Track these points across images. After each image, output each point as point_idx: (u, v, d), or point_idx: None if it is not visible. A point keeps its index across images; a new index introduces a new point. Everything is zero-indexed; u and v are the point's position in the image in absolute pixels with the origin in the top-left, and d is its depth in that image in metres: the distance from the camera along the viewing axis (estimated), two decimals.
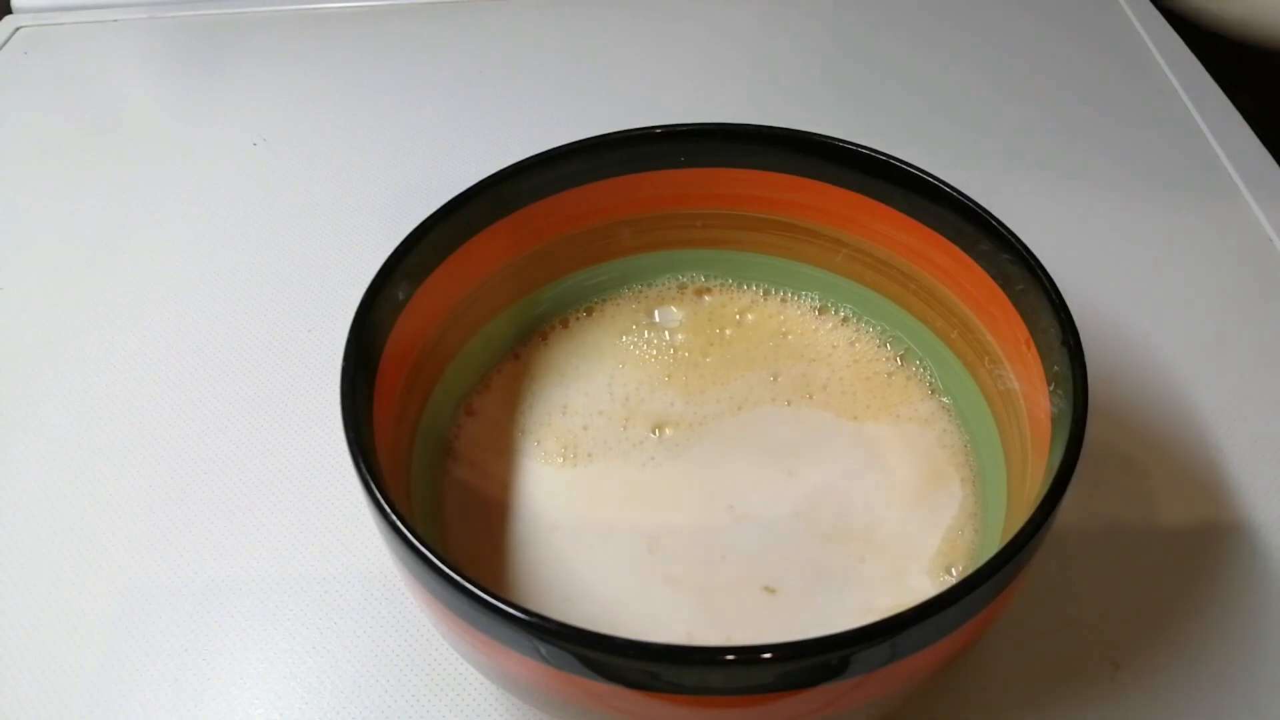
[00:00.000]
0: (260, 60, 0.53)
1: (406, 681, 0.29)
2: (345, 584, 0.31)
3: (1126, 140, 0.47)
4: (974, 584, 0.20)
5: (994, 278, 0.27)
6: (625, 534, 0.27)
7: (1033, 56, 0.52)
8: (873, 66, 0.52)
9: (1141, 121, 0.48)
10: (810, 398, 0.30)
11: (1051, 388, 0.24)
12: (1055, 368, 0.24)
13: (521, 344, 0.32)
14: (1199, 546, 0.31)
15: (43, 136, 0.50)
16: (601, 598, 0.26)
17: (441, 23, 0.55)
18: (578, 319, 0.32)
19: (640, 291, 0.33)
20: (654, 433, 0.30)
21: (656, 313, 0.33)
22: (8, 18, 0.57)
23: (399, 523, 0.21)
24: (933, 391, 0.30)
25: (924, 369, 0.31)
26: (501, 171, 0.29)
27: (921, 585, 0.26)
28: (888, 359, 0.31)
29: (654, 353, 0.32)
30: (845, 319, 0.32)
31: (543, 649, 0.20)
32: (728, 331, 0.32)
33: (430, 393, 0.29)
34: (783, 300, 0.33)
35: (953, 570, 0.26)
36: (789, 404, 0.30)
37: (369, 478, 0.22)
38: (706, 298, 0.33)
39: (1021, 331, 0.26)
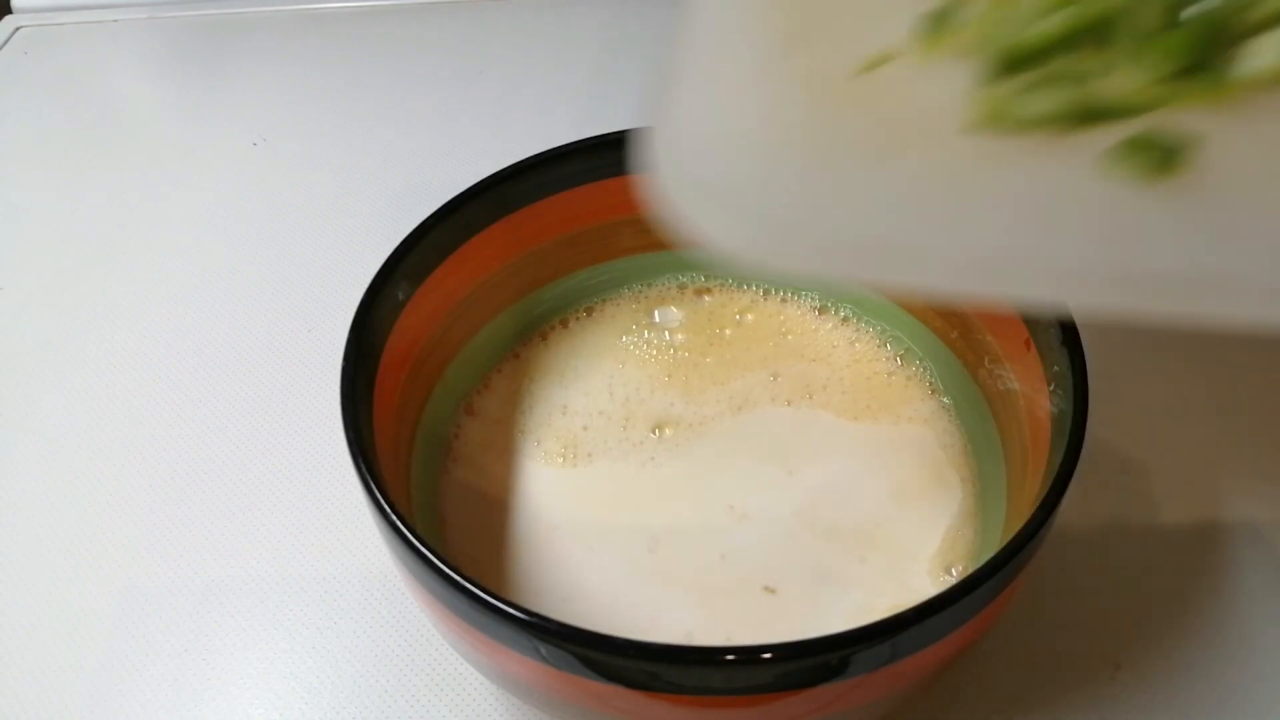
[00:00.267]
0: (260, 60, 0.53)
1: (406, 681, 0.29)
2: (345, 584, 0.31)
3: None
4: (974, 584, 0.20)
5: None
6: (625, 534, 0.27)
7: None
8: None
9: None
10: (810, 398, 0.30)
11: (1051, 388, 0.24)
12: (1055, 368, 0.24)
13: (521, 344, 0.32)
14: (1199, 546, 0.31)
15: (43, 136, 0.50)
16: (601, 598, 0.26)
17: (441, 23, 0.55)
18: (578, 319, 0.32)
19: (640, 291, 0.33)
20: (654, 433, 0.30)
21: (656, 313, 0.33)
22: (8, 18, 0.57)
23: (399, 523, 0.21)
24: (933, 391, 0.30)
25: (924, 369, 0.31)
26: (501, 171, 0.29)
27: (921, 585, 0.26)
28: (888, 359, 0.31)
29: (654, 353, 0.32)
30: (845, 319, 0.32)
31: (543, 649, 0.20)
32: (728, 331, 0.32)
33: (430, 393, 0.29)
34: (783, 300, 0.33)
35: (953, 570, 0.26)
36: (789, 404, 0.30)
37: (369, 478, 0.22)
38: (706, 298, 0.33)
39: (1021, 331, 0.26)
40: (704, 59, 0.21)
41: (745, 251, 0.17)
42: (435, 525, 0.28)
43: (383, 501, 0.22)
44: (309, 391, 0.37)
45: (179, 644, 0.30)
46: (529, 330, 0.32)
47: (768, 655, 0.19)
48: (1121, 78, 0.19)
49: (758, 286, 0.33)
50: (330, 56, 0.54)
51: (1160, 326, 0.16)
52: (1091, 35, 0.19)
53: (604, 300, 0.33)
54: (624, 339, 0.32)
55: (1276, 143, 0.18)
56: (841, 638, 0.19)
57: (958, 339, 0.29)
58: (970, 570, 0.21)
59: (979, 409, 0.29)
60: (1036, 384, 0.25)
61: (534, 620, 0.20)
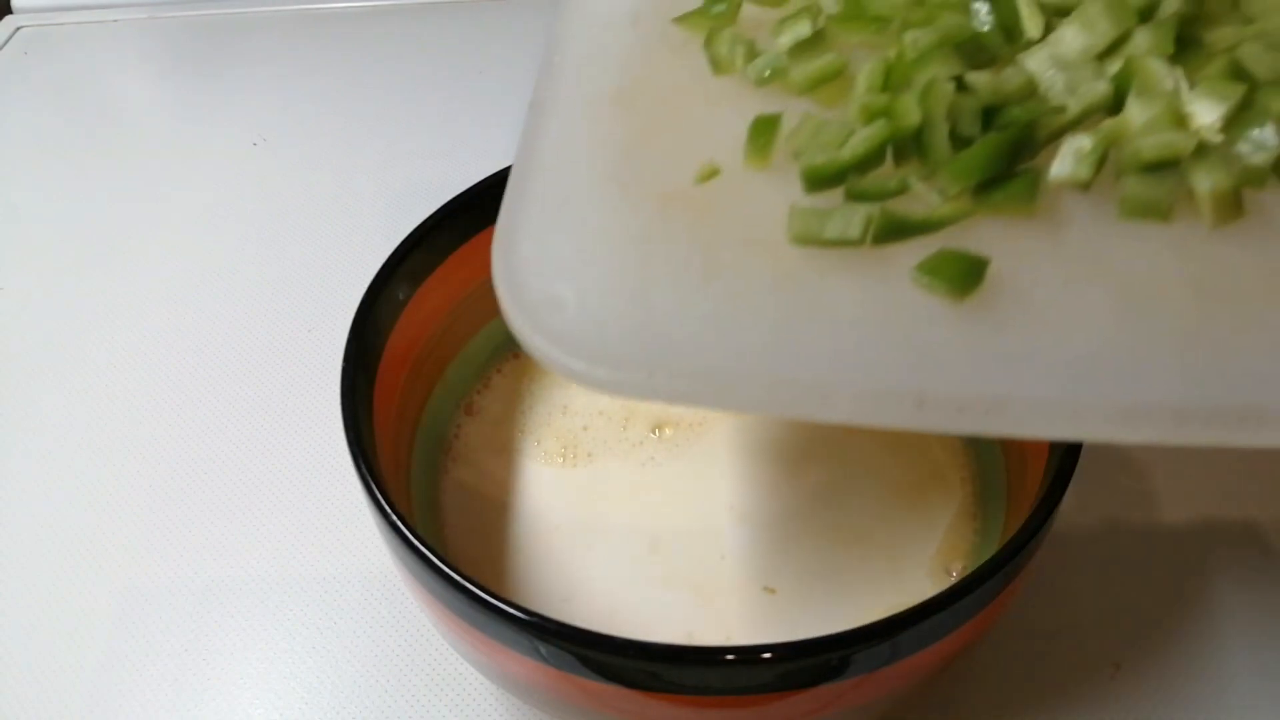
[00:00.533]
0: (260, 60, 0.53)
1: (406, 681, 0.29)
2: (345, 584, 0.31)
3: None
4: (974, 584, 0.20)
5: None
6: (625, 534, 0.27)
7: None
8: None
9: None
10: None
11: None
12: None
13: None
14: (1199, 547, 0.31)
15: (43, 136, 0.50)
16: (601, 598, 0.26)
17: (441, 23, 0.55)
18: None
19: None
20: (654, 433, 0.30)
21: None
22: (8, 18, 0.57)
23: (399, 523, 0.21)
24: None
25: None
26: (502, 171, 0.28)
27: (921, 585, 0.26)
28: None
29: None
30: None
31: (543, 649, 0.20)
32: None
33: (430, 392, 0.29)
34: None
35: (953, 570, 0.26)
36: None
37: (369, 478, 0.22)
38: None
39: None
40: (543, 171, 0.21)
41: (571, 377, 0.18)
42: (435, 525, 0.28)
43: (383, 502, 0.22)
44: (309, 391, 0.37)
45: (179, 644, 0.30)
46: None
47: (768, 655, 0.19)
48: (925, 192, 0.19)
49: None
50: (330, 56, 0.54)
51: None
52: (897, 152, 0.20)
53: None
54: None
55: (1074, 251, 0.19)
56: (841, 638, 0.19)
57: None
58: (970, 570, 0.21)
59: None
60: None
61: (534, 620, 0.20)
